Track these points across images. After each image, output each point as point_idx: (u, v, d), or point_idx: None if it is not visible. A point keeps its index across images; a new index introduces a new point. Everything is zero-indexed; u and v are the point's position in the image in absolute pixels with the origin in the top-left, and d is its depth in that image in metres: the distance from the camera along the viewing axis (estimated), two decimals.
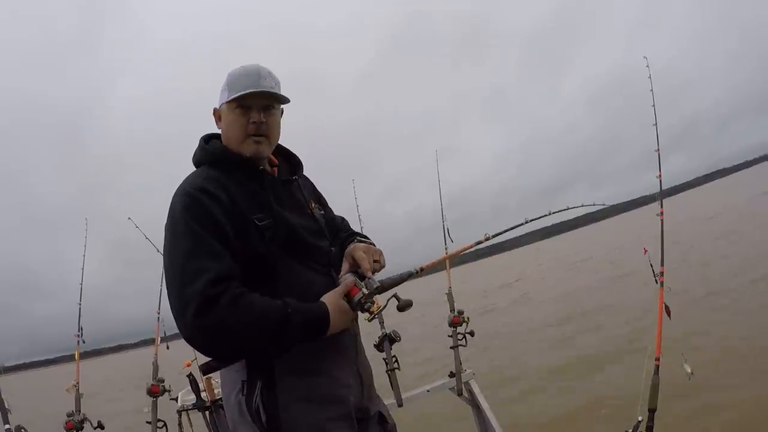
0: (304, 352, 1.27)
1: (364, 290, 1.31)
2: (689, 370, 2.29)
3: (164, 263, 1.25)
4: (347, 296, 1.31)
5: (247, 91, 1.31)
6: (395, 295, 1.38)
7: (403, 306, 1.38)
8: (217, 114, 1.42)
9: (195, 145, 1.44)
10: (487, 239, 1.61)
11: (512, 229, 1.69)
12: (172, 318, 1.19)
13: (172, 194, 1.30)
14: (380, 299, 1.37)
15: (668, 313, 2.24)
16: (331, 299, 1.29)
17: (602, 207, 2.09)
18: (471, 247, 1.68)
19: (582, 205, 1.88)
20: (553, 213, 1.76)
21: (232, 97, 1.33)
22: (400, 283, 1.41)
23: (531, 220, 1.71)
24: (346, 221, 1.70)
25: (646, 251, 2.45)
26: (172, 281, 1.19)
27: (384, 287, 1.36)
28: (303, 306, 1.24)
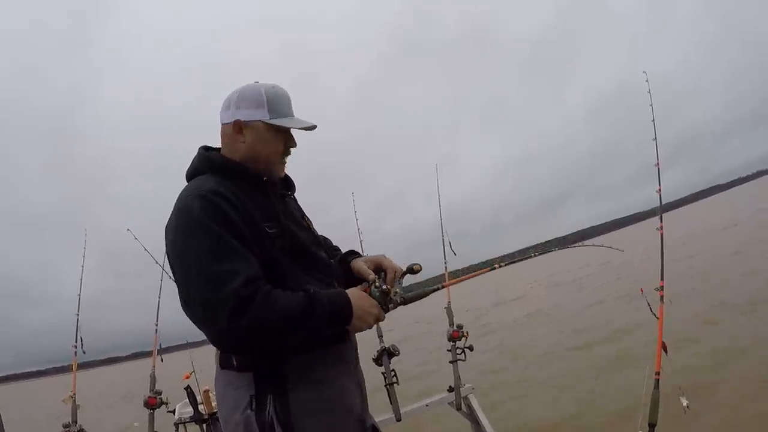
0: (312, 363, 1.28)
1: (377, 284, 1.36)
2: (685, 404, 2.26)
3: (176, 266, 1.22)
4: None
5: (308, 125, 1.38)
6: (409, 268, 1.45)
7: (414, 270, 1.44)
8: (239, 126, 1.36)
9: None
10: (492, 268, 1.67)
11: (521, 260, 1.78)
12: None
13: (177, 198, 1.28)
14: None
15: (665, 349, 2.24)
16: (350, 290, 1.33)
17: (603, 247, 2.17)
18: (478, 273, 1.72)
19: (583, 244, 1.99)
20: (558, 249, 1.91)
21: (287, 125, 1.36)
22: (420, 298, 1.47)
23: (539, 254, 1.83)
24: (329, 239, 1.71)
25: (642, 291, 2.45)
26: (195, 284, 1.15)
27: (406, 300, 1.41)
28: (325, 291, 1.26)
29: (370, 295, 1.34)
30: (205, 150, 1.42)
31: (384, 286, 1.36)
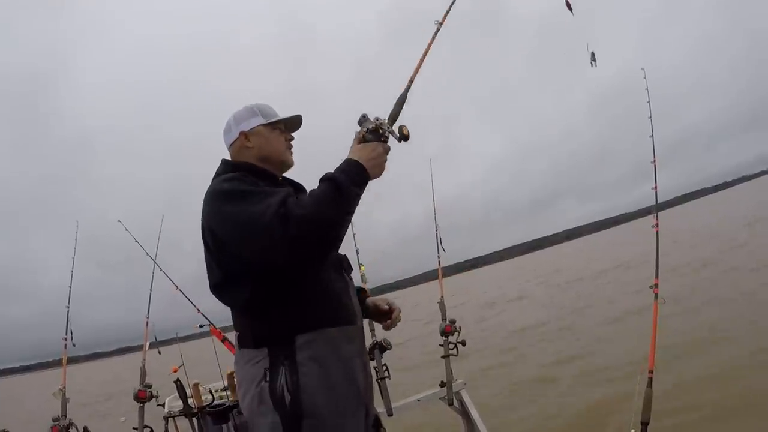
0: (320, 341, 1.39)
1: (366, 126, 1.44)
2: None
3: (220, 230, 1.38)
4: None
5: (296, 114, 1.65)
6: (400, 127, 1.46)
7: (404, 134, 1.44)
8: (244, 135, 1.60)
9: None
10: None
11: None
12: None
13: (204, 196, 1.45)
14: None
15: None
16: (351, 151, 1.44)
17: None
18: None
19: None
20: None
21: (278, 119, 1.62)
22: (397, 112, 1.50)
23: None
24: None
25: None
26: (246, 227, 1.30)
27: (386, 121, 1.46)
28: (335, 169, 1.38)
29: (365, 140, 1.43)
30: (226, 162, 1.61)
31: (371, 125, 1.43)
